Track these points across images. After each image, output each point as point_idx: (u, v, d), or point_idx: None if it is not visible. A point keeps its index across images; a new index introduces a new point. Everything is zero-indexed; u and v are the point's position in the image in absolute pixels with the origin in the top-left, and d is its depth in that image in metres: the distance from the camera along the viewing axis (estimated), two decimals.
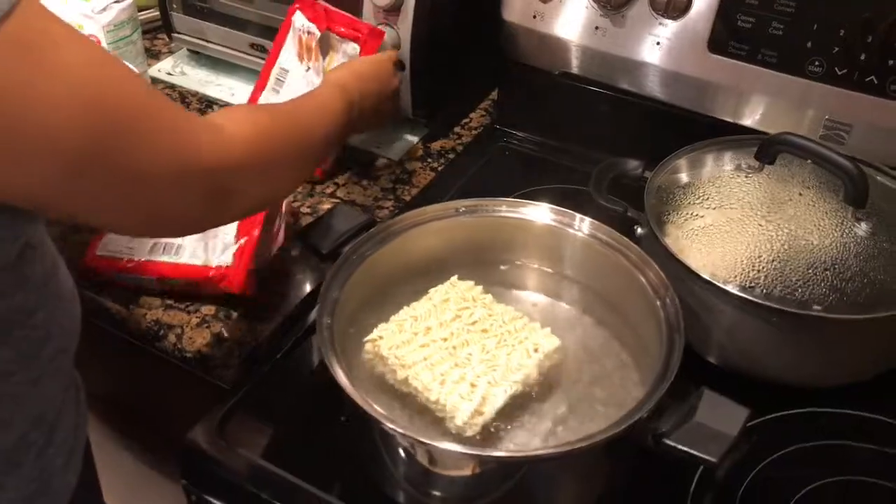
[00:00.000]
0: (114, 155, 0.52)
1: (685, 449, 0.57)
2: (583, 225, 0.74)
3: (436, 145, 1.03)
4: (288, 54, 0.96)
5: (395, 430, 0.58)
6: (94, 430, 0.81)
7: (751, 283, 0.71)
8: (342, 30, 0.92)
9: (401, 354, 0.66)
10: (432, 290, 0.71)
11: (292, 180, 0.72)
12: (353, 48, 0.93)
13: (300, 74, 0.93)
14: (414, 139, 1.04)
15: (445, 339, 0.68)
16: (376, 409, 0.59)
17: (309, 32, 0.96)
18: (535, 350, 0.67)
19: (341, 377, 0.60)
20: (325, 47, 0.94)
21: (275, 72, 0.95)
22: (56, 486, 0.69)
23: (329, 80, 0.80)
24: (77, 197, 0.53)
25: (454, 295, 0.71)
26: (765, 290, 0.70)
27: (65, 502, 0.70)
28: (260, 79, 0.95)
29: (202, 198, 0.58)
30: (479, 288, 0.73)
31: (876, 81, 0.80)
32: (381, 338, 0.67)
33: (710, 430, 0.58)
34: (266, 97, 0.94)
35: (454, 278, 0.73)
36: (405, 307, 0.70)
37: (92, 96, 0.50)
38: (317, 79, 0.92)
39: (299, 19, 0.96)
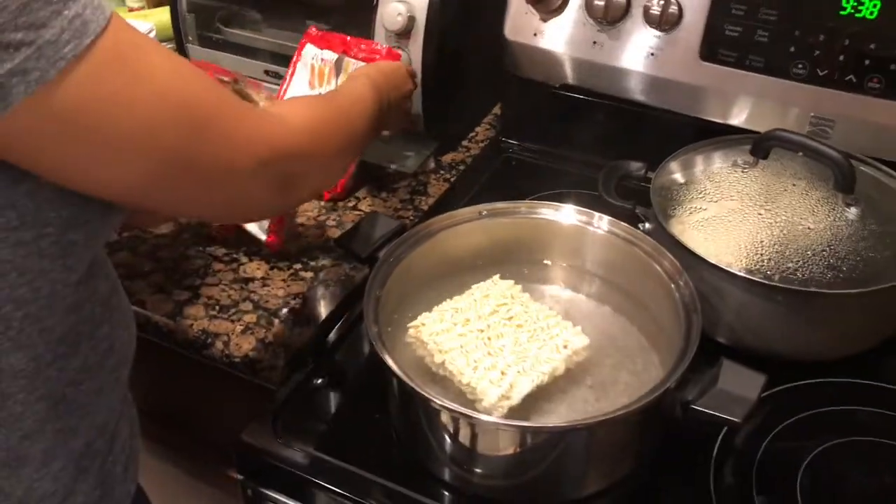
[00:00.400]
0: (199, 149, 0.57)
1: (712, 412, 0.63)
2: (601, 222, 0.81)
3: (447, 158, 1.09)
4: (299, 84, 1.03)
5: (437, 402, 0.63)
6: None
7: (755, 266, 0.77)
8: (361, 54, 0.99)
9: (440, 340, 0.72)
10: (475, 286, 0.77)
11: (343, 167, 0.78)
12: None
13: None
14: (425, 153, 1.10)
15: (482, 331, 0.74)
16: (417, 384, 0.65)
17: (322, 59, 1.02)
18: (565, 346, 0.73)
19: (390, 362, 0.66)
20: (338, 70, 1.01)
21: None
22: (118, 494, 0.72)
23: (359, 75, 0.86)
24: (167, 190, 0.58)
25: (494, 292, 0.77)
26: (768, 272, 0.77)
27: None
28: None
29: (273, 184, 0.63)
30: (519, 287, 0.78)
31: (855, 80, 0.88)
32: (423, 324, 0.73)
33: (732, 395, 0.64)
34: None
35: (496, 277, 0.79)
36: (448, 300, 0.76)
37: (179, 98, 0.55)
38: None
39: (310, 51, 1.02)
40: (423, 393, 0.64)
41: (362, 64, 1.00)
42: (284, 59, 1.12)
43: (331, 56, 1.01)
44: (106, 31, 0.51)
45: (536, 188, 1.02)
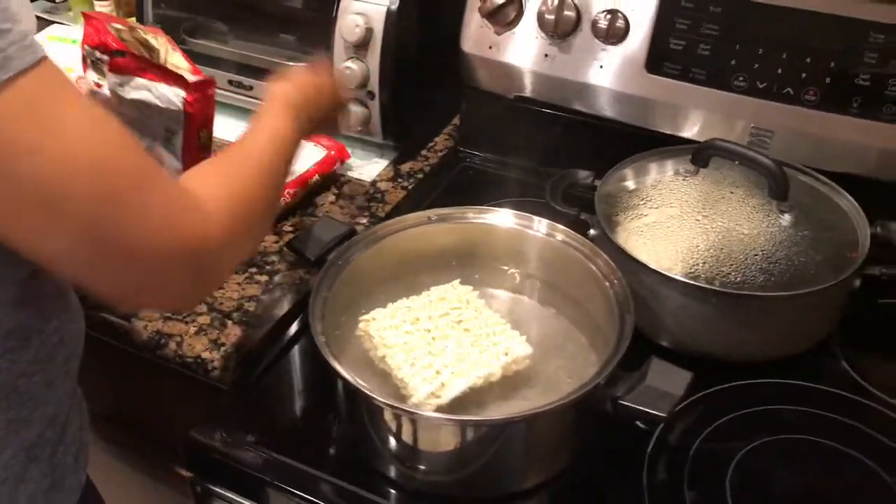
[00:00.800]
0: (106, 224, 0.52)
1: (638, 407, 0.66)
2: (540, 226, 0.83)
3: (405, 167, 1.12)
4: None
5: (366, 391, 0.66)
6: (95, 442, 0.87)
7: (691, 270, 0.80)
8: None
9: (386, 335, 0.74)
10: (434, 288, 0.80)
11: (269, 223, 0.74)
12: (316, 152, 1.06)
13: None
14: (385, 162, 1.13)
15: (428, 331, 0.76)
16: (358, 381, 0.67)
17: None
18: (506, 354, 0.74)
19: (331, 359, 0.68)
20: None
21: None
22: (68, 483, 0.74)
23: (275, 99, 0.77)
24: (71, 261, 0.55)
25: (451, 295, 0.79)
26: (704, 276, 0.80)
27: (76, 498, 0.75)
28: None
29: (187, 276, 0.59)
30: (476, 293, 0.80)
31: (792, 92, 0.91)
32: (373, 319, 0.76)
33: (659, 391, 0.67)
34: None
35: (456, 282, 0.81)
36: (404, 298, 0.79)
37: (89, 160, 0.51)
38: None
39: None
40: (353, 382, 0.66)
41: (311, 145, 1.05)
42: (249, 69, 1.15)
43: None
44: (28, 73, 0.49)
45: (492, 197, 1.04)
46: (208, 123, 0.90)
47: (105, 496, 0.86)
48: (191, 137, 0.89)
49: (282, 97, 0.77)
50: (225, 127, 1.18)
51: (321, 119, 0.82)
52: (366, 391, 0.67)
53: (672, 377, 0.68)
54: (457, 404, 0.72)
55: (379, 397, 0.66)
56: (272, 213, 0.74)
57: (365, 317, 0.77)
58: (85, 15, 0.94)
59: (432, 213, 0.85)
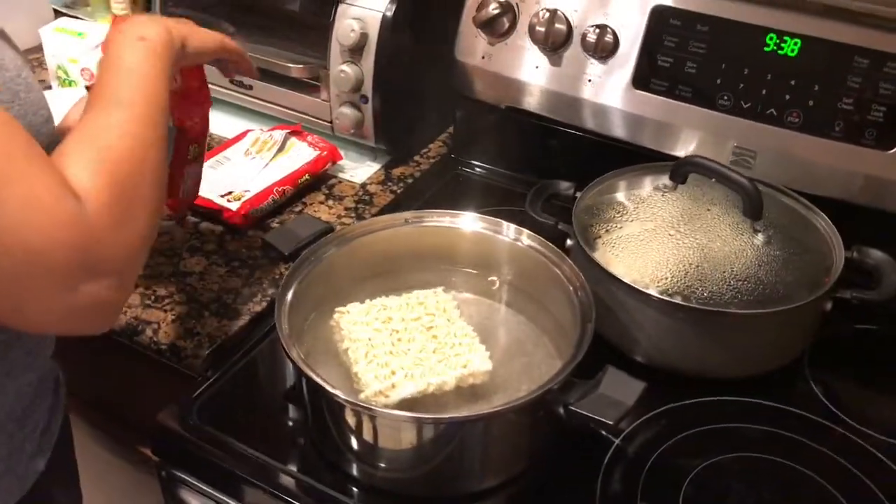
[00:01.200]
0: None
1: (587, 414, 0.66)
2: (509, 231, 0.84)
3: (396, 171, 1.14)
4: (236, 150, 1.11)
5: (322, 385, 0.67)
6: (75, 425, 0.89)
7: (661, 284, 0.81)
8: (309, 139, 1.10)
9: (354, 329, 0.76)
10: (416, 292, 0.81)
11: (160, 185, 0.63)
12: (309, 152, 1.09)
13: (240, 161, 1.09)
14: (377, 166, 1.14)
15: (396, 331, 0.77)
16: (315, 374, 0.68)
17: (271, 136, 1.12)
18: (464, 366, 0.74)
19: (291, 350, 0.70)
20: (282, 146, 1.11)
21: (217, 157, 1.10)
22: (21, 470, 0.75)
23: (123, 32, 0.67)
24: None
25: (430, 301, 0.80)
26: (673, 290, 0.80)
27: (29, 485, 0.75)
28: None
29: (70, 284, 0.53)
30: (455, 303, 0.81)
31: (776, 113, 0.92)
32: (347, 312, 0.77)
33: (610, 399, 0.67)
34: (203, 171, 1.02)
35: (440, 289, 0.82)
36: (383, 296, 0.80)
37: None
38: (254, 163, 1.08)
39: (266, 134, 1.12)
40: (311, 375, 0.67)
41: (305, 146, 1.09)
42: None
43: (280, 135, 1.11)
44: None
45: (478, 204, 1.05)
46: (200, 138, 0.89)
47: (81, 477, 0.88)
48: (181, 150, 0.87)
49: (129, 30, 0.68)
50: (225, 125, 1.21)
51: (196, 45, 0.75)
52: (322, 384, 0.68)
53: (625, 386, 0.68)
54: (418, 403, 0.73)
55: (335, 391, 0.67)
56: (159, 174, 0.63)
57: (340, 309, 0.79)
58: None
59: (409, 215, 0.86)
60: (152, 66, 0.66)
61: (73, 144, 0.58)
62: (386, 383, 0.71)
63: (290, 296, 0.77)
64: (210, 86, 1.20)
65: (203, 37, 0.77)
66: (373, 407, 0.69)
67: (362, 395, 0.71)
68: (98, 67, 0.67)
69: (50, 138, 0.66)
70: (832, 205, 0.90)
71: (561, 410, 0.68)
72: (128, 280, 0.59)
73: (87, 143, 0.58)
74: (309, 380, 0.68)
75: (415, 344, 0.76)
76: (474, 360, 0.75)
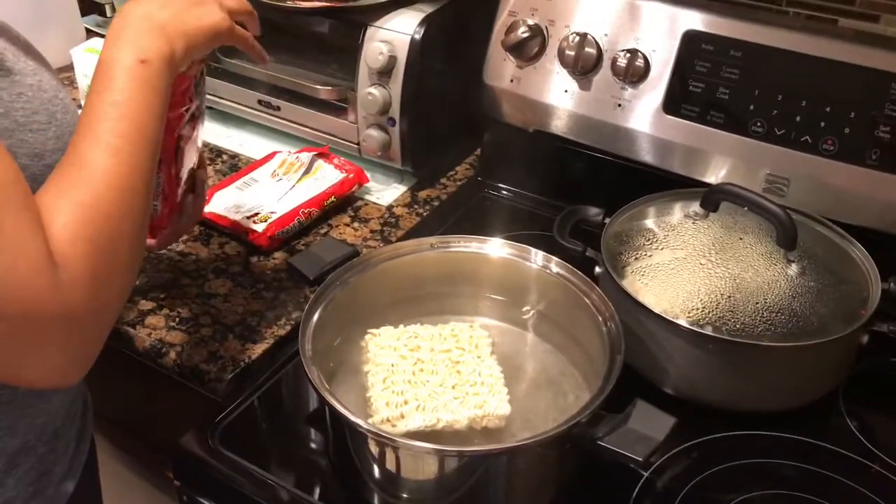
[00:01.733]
0: None
1: (615, 449, 0.65)
2: (537, 258, 0.83)
3: (423, 194, 1.13)
4: (263, 171, 1.11)
5: (342, 412, 0.66)
6: (99, 445, 0.89)
7: (691, 314, 0.79)
8: (336, 162, 1.10)
9: (379, 353, 0.75)
10: (453, 323, 0.80)
11: (140, 243, 0.61)
12: (335, 174, 1.09)
13: (267, 183, 1.09)
14: (403, 188, 1.14)
15: (421, 360, 0.76)
16: (336, 400, 0.67)
17: (298, 158, 1.11)
18: (479, 407, 0.72)
19: (314, 375, 0.69)
20: (308, 168, 1.10)
21: (245, 178, 1.10)
22: (51, 492, 0.75)
23: (123, 41, 0.62)
24: None
25: (464, 335, 0.79)
26: (703, 321, 0.78)
27: None
28: (228, 178, 1.10)
29: (54, 346, 0.54)
30: (489, 341, 0.79)
31: (810, 141, 0.90)
32: (378, 334, 0.77)
33: (639, 434, 0.66)
34: (230, 192, 1.07)
35: (476, 323, 0.81)
36: (418, 323, 0.80)
37: None
38: (280, 185, 1.07)
39: (293, 156, 1.12)
40: (332, 403, 0.67)
41: (331, 168, 1.09)
42: (278, 90, 1.17)
43: (307, 157, 1.11)
44: None
45: (505, 228, 1.04)
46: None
47: (105, 498, 0.87)
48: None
49: (117, 25, 0.62)
50: (251, 146, 1.21)
51: (190, 32, 0.65)
52: (343, 411, 0.67)
53: (655, 421, 0.67)
54: (441, 434, 0.72)
55: (357, 419, 0.67)
56: (142, 222, 0.61)
57: (373, 331, 0.79)
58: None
59: (434, 240, 0.86)
60: (148, 105, 0.61)
61: (59, 192, 0.56)
62: (395, 412, 0.70)
63: (314, 320, 0.76)
64: (238, 106, 1.21)
65: (196, 32, 0.67)
66: (395, 438, 0.68)
67: (371, 420, 0.70)
68: (94, 76, 0.61)
69: None
70: (868, 234, 0.88)
71: (588, 444, 0.67)
72: (100, 336, 0.58)
73: (73, 195, 0.56)
74: (330, 406, 0.67)
75: (436, 377, 0.75)
76: (491, 403, 0.73)
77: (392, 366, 0.74)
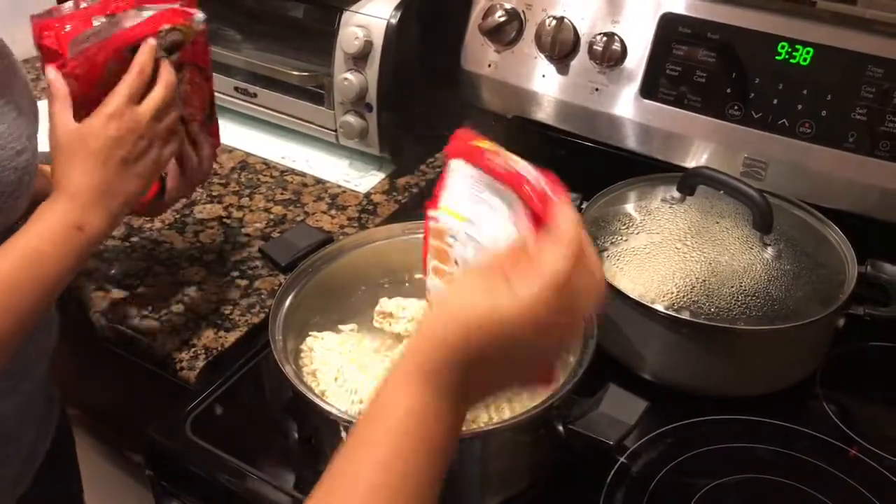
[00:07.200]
0: None
1: (587, 433, 0.64)
2: None
3: (401, 181, 1.12)
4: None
5: (313, 400, 0.65)
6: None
7: (666, 298, 0.79)
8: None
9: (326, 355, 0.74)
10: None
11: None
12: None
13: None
14: (381, 175, 1.13)
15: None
16: (307, 388, 0.66)
17: None
18: None
19: (284, 365, 0.68)
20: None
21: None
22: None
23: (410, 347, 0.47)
24: None
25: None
26: (679, 305, 0.78)
27: None
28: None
29: None
30: None
31: (787, 124, 0.89)
32: (322, 338, 0.76)
33: (611, 419, 0.65)
34: None
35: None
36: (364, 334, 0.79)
37: None
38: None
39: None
40: (303, 391, 0.66)
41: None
42: (254, 77, 1.16)
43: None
44: None
45: None
46: None
47: (84, 488, 0.87)
48: None
49: (419, 348, 0.45)
50: (228, 133, 1.20)
51: (508, 375, 0.48)
52: (314, 399, 0.66)
53: (627, 405, 0.66)
54: None
55: (330, 407, 0.66)
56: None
57: (315, 334, 0.77)
58: None
59: (405, 226, 0.85)
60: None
61: None
62: (354, 409, 0.69)
63: (285, 307, 0.75)
64: (215, 93, 1.19)
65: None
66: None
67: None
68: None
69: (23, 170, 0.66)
70: (845, 218, 0.87)
71: (561, 428, 0.66)
72: None
73: None
74: (299, 395, 0.66)
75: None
76: None
77: (339, 368, 0.73)
